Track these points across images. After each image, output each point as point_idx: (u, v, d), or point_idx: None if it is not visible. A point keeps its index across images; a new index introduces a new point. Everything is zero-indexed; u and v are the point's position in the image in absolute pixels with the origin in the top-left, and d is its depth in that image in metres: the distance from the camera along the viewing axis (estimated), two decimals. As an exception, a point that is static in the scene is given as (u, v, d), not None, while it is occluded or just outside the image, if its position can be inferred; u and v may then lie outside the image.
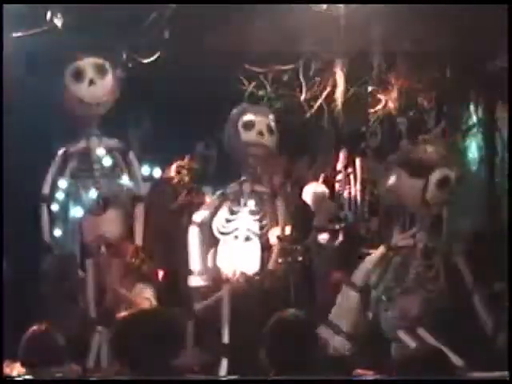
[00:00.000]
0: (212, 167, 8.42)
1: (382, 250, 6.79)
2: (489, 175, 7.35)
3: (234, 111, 7.03)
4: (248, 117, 6.98)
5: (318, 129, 7.87)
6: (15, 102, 6.68)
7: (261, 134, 6.94)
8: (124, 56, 6.92)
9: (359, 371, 6.18)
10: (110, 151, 6.98)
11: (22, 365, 5.12)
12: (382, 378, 4.44)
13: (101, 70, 6.83)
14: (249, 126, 6.95)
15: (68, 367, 5.19)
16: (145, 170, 7.18)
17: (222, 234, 7.07)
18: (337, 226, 7.94)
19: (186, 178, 7.86)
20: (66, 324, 5.94)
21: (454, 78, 6.79)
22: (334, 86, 7.10)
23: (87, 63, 6.86)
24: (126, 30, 6.66)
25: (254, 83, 7.43)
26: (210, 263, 7.09)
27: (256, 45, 6.93)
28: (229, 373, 6.55)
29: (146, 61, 6.88)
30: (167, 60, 6.94)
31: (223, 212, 7.05)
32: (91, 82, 6.79)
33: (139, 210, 7.03)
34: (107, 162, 6.92)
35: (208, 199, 7.59)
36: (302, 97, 7.40)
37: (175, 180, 7.78)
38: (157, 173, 7.24)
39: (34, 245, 7.27)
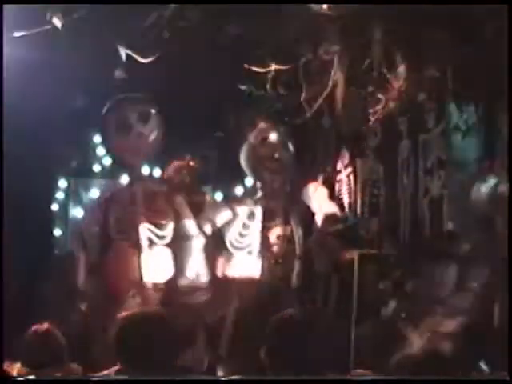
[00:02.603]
0: (212, 167, 8.43)
1: None
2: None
3: (252, 130, 7.13)
4: (264, 133, 7.10)
5: (317, 129, 7.87)
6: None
7: (276, 149, 7.07)
8: (124, 56, 6.92)
9: (359, 371, 6.18)
10: (154, 195, 7.01)
11: (22, 365, 5.12)
12: (382, 378, 4.43)
13: (145, 117, 6.84)
14: (264, 141, 7.08)
15: (68, 367, 5.19)
16: (145, 169, 7.20)
17: (236, 248, 7.13)
18: (337, 227, 7.94)
19: (187, 179, 7.87)
20: (66, 324, 5.95)
21: (454, 77, 6.79)
22: (334, 86, 7.10)
23: (131, 113, 6.85)
24: (126, 30, 6.66)
25: (253, 83, 7.43)
26: (219, 275, 7.14)
27: (256, 45, 6.93)
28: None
29: (145, 61, 6.88)
30: (167, 60, 6.94)
31: (237, 226, 7.11)
32: (137, 135, 6.81)
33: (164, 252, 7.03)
34: (153, 205, 6.93)
35: (208, 198, 7.63)
36: (302, 97, 7.40)
37: (176, 180, 7.78)
38: (157, 173, 7.25)
39: (35, 245, 7.29)
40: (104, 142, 7.21)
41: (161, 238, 7.00)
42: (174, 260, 7.01)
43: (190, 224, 7.14)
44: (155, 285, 6.94)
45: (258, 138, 7.16)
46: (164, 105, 7.45)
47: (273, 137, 7.18)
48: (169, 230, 7.02)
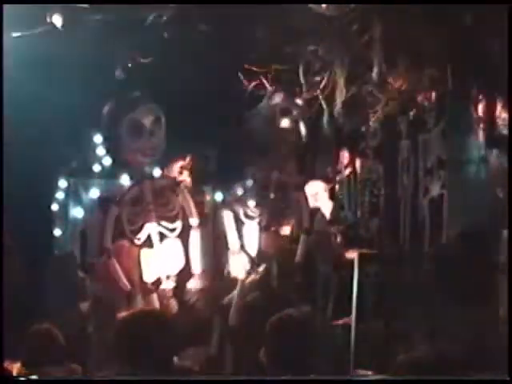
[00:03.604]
0: (212, 167, 8.43)
1: None
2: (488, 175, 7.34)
3: (272, 100, 7.18)
4: (285, 104, 7.16)
5: (318, 129, 7.87)
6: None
7: (296, 122, 7.14)
8: (124, 56, 6.92)
9: (359, 371, 6.19)
10: (161, 190, 7.02)
11: (22, 364, 5.13)
12: (382, 378, 4.43)
13: (158, 122, 6.90)
14: (286, 113, 7.14)
15: (68, 367, 5.20)
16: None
17: (248, 217, 7.21)
18: (337, 227, 7.95)
19: (188, 179, 7.88)
20: (66, 324, 5.95)
21: (454, 77, 6.79)
22: (334, 86, 7.10)
23: (145, 118, 6.90)
24: (126, 30, 6.66)
25: (253, 83, 7.43)
26: (242, 245, 7.24)
27: (256, 45, 6.93)
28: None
29: (145, 61, 6.88)
30: (167, 60, 6.94)
31: (251, 196, 7.21)
32: (151, 135, 6.85)
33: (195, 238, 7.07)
34: (160, 199, 6.95)
35: (208, 197, 7.66)
36: (302, 97, 7.40)
37: (177, 180, 7.78)
38: (157, 173, 7.24)
39: (35, 245, 7.28)
40: (109, 141, 7.17)
41: (172, 230, 7.04)
42: (185, 251, 7.06)
43: (193, 215, 7.19)
44: (168, 278, 6.96)
45: (277, 109, 7.23)
46: (164, 105, 7.44)
47: (295, 110, 7.26)
48: (178, 222, 7.07)
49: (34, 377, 4.90)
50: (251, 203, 7.33)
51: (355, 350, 6.93)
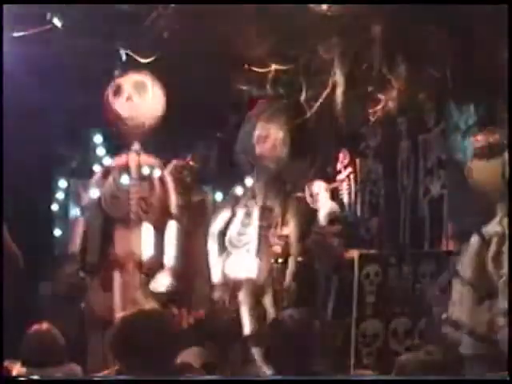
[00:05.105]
0: (212, 167, 8.43)
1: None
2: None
3: (247, 125, 7.20)
4: (261, 131, 7.17)
5: (317, 129, 7.87)
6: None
7: (274, 147, 7.14)
8: (124, 56, 6.92)
9: (359, 371, 6.19)
10: (146, 168, 7.00)
11: (22, 365, 5.13)
12: (382, 378, 4.44)
13: (140, 88, 6.89)
14: (262, 139, 7.15)
15: (68, 367, 5.20)
16: (145, 170, 7.19)
17: (234, 246, 7.18)
18: (337, 227, 7.94)
19: (188, 179, 7.88)
20: (66, 324, 5.95)
21: (454, 77, 6.79)
22: (334, 86, 7.10)
23: (127, 80, 6.91)
24: (126, 30, 6.67)
25: (254, 83, 7.43)
26: (224, 274, 7.19)
27: (256, 45, 6.93)
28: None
29: (145, 61, 6.89)
30: (167, 60, 6.94)
31: (236, 225, 7.17)
32: (128, 98, 6.84)
33: (171, 228, 7.01)
34: (143, 178, 6.92)
35: (208, 198, 7.66)
36: (302, 97, 7.40)
37: (176, 180, 7.78)
38: (157, 173, 7.24)
39: (35, 245, 7.29)
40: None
41: (145, 212, 6.97)
42: (157, 238, 6.99)
43: (174, 206, 7.13)
44: (140, 265, 6.90)
45: (258, 136, 7.21)
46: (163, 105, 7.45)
47: (273, 135, 7.24)
48: (155, 207, 7.00)
49: (34, 377, 4.89)
50: (235, 232, 7.28)
51: (355, 350, 6.93)
